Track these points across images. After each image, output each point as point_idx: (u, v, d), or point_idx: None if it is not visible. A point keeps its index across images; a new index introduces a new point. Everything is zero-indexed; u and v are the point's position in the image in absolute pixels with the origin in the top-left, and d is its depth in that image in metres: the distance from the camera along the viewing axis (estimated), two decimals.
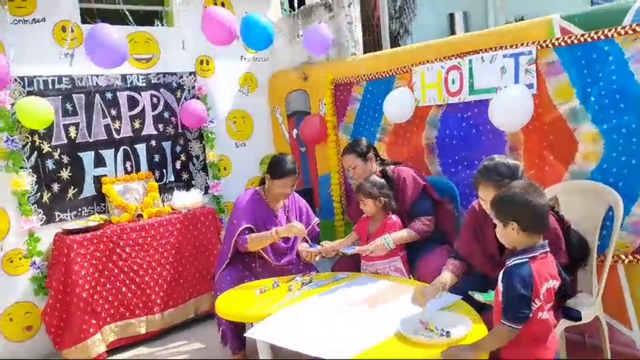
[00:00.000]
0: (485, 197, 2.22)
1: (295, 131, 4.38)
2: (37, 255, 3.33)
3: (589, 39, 2.53)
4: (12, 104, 3.20)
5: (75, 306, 3.18)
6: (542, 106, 2.74)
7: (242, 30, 3.33)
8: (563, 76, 2.66)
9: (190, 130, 4.08)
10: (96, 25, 3.00)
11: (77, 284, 3.18)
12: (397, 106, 3.38)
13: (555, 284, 1.82)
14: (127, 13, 3.51)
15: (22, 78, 3.30)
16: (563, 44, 2.63)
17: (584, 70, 2.57)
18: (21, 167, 3.27)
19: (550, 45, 2.68)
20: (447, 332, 1.90)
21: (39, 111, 3.15)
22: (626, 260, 2.52)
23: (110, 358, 3.33)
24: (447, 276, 2.30)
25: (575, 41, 2.58)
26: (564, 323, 2.21)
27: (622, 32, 2.41)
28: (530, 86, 2.76)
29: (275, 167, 3.01)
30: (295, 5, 4.64)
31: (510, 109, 2.76)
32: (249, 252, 3.02)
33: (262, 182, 3.16)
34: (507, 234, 1.83)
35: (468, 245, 2.40)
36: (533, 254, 1.77)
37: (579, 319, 2.21)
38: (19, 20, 3.30)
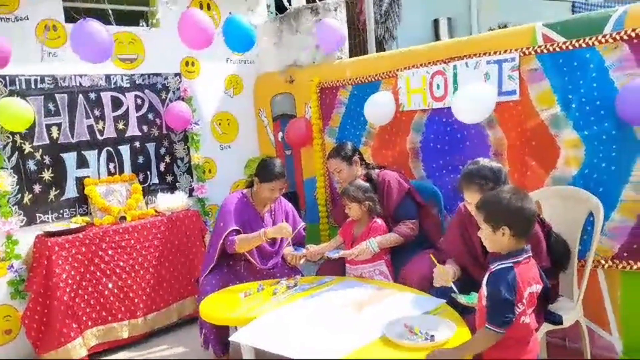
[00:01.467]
0: (470, 199, 2.24)
1: (280, 134, 4.38)
2: (15, 258, 3.27)
3: (570, 47, 2.58)
4: None
5: (56, 310, 3.13)
6: (524, 112, 2.79)
7: (224, 32, 3.31)
8: (545, 83, 2.70)
9: (175, 132, 4.05)
10: (83, 21, 2.96)
11: (58, 287, 3.13)
12: (376, 110, 3.40)
13: (537, 288, 1.84)
14: (110, 13, 3.47)
15: (3, 77, 3.25)
16: (545, 51, 2.67)
17: (565, 77, 2.62)
18: (1, 168, 3.22)
19: (532, 52, 2.72)
20: (432, 335, 1.91)
21: (18, 113, 3.08)
22: (606, 265, 2.57)
23: None
24: (453, 267, 2.36)
25: (557, 49, 2.63)
26: (546, 327, 2.24)
27: (603, 40, 2.46)
28: (512, 92, 2.80)
29: (264, 171, 3.01)
30: (288, 4, 4.63)
31: (471, 100, 2.80)
32: (234, 256, 3.01)
33: (249, 185, 3.15)
34: (496, 239, 1.84)
35: (454, 244, 2.44)
36: (517, 259, 1.80)
37: (561, 323, 2.23)
38: (1, 18, 3.25)
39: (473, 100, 2.79)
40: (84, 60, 3.02)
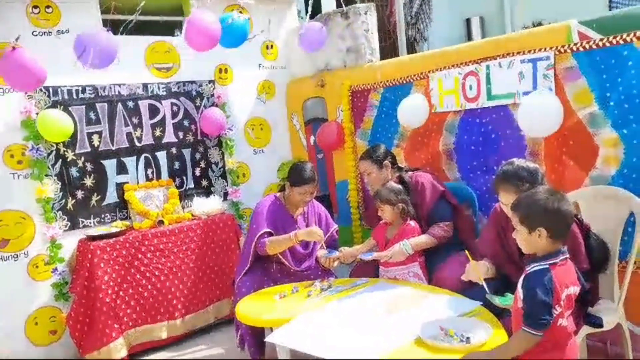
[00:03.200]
0: (505, 201, 2.22)
1: (312, 138, 4.41)
2: (58, 261, 3.41)
3: (607, 44, 2.52)
4: (37, 114, 3.29)
5: (99, 311, 3.25)
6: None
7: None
8: (581, 81, 2.65)
9: (210, 137, 4.14)
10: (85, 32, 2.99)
11: (100, 289, 3.25)
12: (410, 112, 3.40)
13: (575, 290, 1.81)
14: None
15: (47, 88, 3.39)
16: (581, 49, 2.62)
17: (602, 75, 2.56)
18: (46, 175, 3.36)
19: (568, 50, 2.67)
20: (467, 338, 1.90)
21: (58, 124, 3.24)
22: None
23: None
24: (487, 264, 2.34)
25: (594, 46, 2.57)
26: (586, 330, 2.19)
27: None
28: (549, 90, 2.75)
29: (295, 175, 3.05)
30: (323, 9, 4.67)
31: (541, 114, 2.73)
32: (268, 258, 3.05)
33: (282, 188, 3.20)
34: (532, 240, 1.81)
35: (490, 245, 2.41)
36: (554, 260, 1.77)
37: (601, 325, 2.18)
38: (44, 32, 3.40)
39: (544, 118, 2.72)
40: (89, 68, 2.99)
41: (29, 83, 2.88)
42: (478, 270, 2.25)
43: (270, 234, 3.01)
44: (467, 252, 2.35)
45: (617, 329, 2.34)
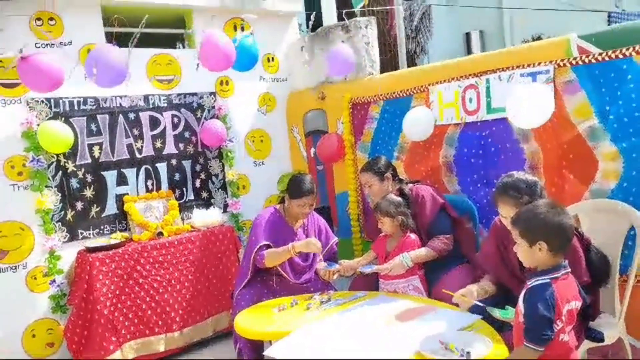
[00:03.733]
0: (504, 213, 2.22)
1: (312, 150, 4.42)
2: (57, 273, 3.39)
3: (606, 58, 2.53)
4: (38, 125, 3.30)
5: (97, 323, 3.22)
6: (560, 125, 2.74)
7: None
8: (581, 95, 2.66)
9: (210, 149, 4.15)
10: (97, 47, 3.03)
11: (98, 301, 3.23)
12: (417, 124, 3.40)
13: (577, 304, 1.80)
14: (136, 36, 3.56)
15: (48, 100, 3.40)
16: (581, 62, 2.64)
17: (602, 88, 2.57)
18: (46, 186, 3.36)
19: (567, 64, 2.68)
20: (467, 352, 1.88)
21: (58, 136, 3.24)
22: None
23: None
24: (485, 284, 2.33)
25: (593, 60, 2.59)
26: (587, 344, 2.18)
27: None
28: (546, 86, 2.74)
29: (293, 187, 3.05)
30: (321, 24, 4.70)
31: (530, 104, 2.69)
32: (267, 270, 3.04)
33: (282, 200, 3.20)
34: (532, 254, 1.81)
35: (490, 259, 2.41)
36: (555, 275, 1.76)
37: (602, 340, 2.17)
38: (46, 44, 3.42)
39: (531, 104, 2.66)
40: (100, 86, 3.04)
41: (46, 85, 2.90)
42: (465, 301, 2.23)
43: (268, 247, 3.00)
44: (444, 291, 2.35)
45: (617, 343, 2.33)
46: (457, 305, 2.33)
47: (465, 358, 1.86)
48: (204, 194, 4.14)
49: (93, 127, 3.60)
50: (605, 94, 2.57)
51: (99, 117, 3.62)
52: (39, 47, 3.37)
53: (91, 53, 2.92)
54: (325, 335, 2.24)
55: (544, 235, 1.78)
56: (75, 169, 3.52)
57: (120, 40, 3.51)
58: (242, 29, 4.24)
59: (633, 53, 2.44)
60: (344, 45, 3.73)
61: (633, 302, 2.39)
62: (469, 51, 7.64)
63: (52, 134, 3.24)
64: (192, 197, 4.07)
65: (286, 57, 4.56)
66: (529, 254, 1.82)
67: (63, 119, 3.44)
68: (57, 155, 3.42)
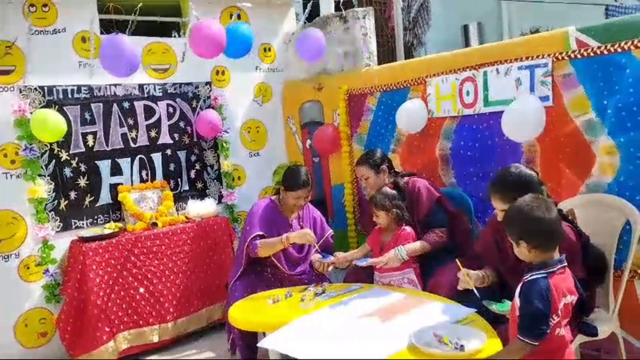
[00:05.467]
0: (497, 206, 2.21)
1: (308, 141, 4.40)
2: (50, 263, 3.37)
3: (605, 52, 2.52)
4: (32, 113, 3.26)
5: (90, 313, 3.21)
6: (558, 118, 2.73)
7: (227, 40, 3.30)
8: (579, 88, 2.64)
9: (205, 139, 4.12)
10: (111, 36, 3.03)
11: (91, 291, 3.21)
12: (409, 116, 3.39)
13: (572, 299, 1.80)
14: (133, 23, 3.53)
15: (42, 88, 3.36)
16: (579, 56, 2.62)
17: (600, 82, 2.56)
18: (39, 175, 3.33)
19: (566, 57, 2.67)
20: (461, 345, 1.88)
21: (51, 125, 3.20)
22: None
23: None
24: (487, 271, 2.32)
25: (592, 53, 2.57)
26: (580, 338, 2.18)
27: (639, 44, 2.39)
28: (546, 98, 2.75)
29: (289, 179, 3.04)
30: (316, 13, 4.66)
31: (523, 120, 2.73)
32: (262, 262, 3.03)
33: (278, 191, 3.18)
34: (520, 252, 1.82)
35: (487, 251, 2.40)
36: (551, 269, 1.75)
37: (596, 334, 2.17)
38: (40, 31, 3.37)
39: (526, 124, 2.72)
40: (116, 77, 3.08)
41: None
42: (469, 279, 2.23)
43: (263, 237, 2.99)
44: (457, 260, 2.33)
45: (611, 338, 2.33)
46: (455, 291, 2.34)
47: (458, 351, 1.85)
48: (199, 185, 4.12)
49: (87, 115, 3.56)
50: (603, 88, 2.55)
51: (92, 105, 3.58)
52: (33, 34, 3.33)
53: (105, 43, 2.91)
54: (319, 327, 2.24)
55: (523, 234, 1.78)
56: (68, 158, 3.48)
57: (115, 28, 3.47)
58: (239, 17, 4.19)
59: (632, 47, 2.42)
60: (315, 30, 3.68)
61: (627, 297, 2.40)
62: (466, 44, 7.61)
63: (45, 122, 3.19)
64: (186, 187, 4.05)
65: (283, 47, 4.52)
66: (518, 252, 1.83)
67: (56, 107, 3.41)
68: (51, 144, 3.39)
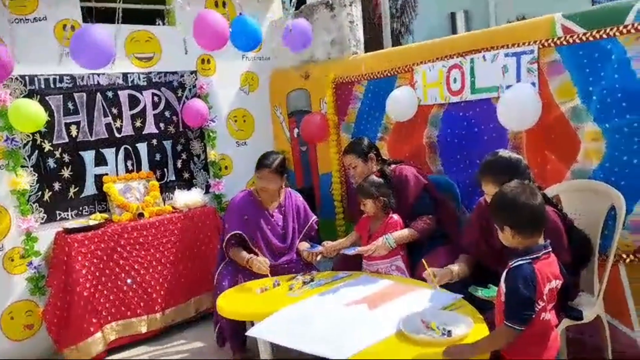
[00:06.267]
0: (488, 192, 2.22)
1: (296, 130, 4.38)
2: (34, 255, 3.33)
3: (591, 38, 2.52)
4: None
5: (76, 305, 3.18)
6: (544, 105, 2.73)
7: (232, 32, 3.28)
8: (565, 75, 2.65)
9: (192, 129, 4.08)
10: (83, 27, 2.94)
11: (78, 283, 3.18)
12: (400, 104, 3.38)
13: (557, 283, 1.81)
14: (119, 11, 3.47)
15: (23, 77, 3.30)
16: (565, 43, 2.62)
17: (585, 69, 2.56)
18: (22, 166, 3.28)
19: (552, 44, 2.67)
20: (449, 331, 1.89)
21: (28, 115, 3.09)
22: (628, 260, 2.51)
23: (110, 357, 3.33)
24: (456, 266, 2.34)
25: (577, 40, 2.57)
26: (566, 322, 2.20)
27: (625, 31, 2.39)
28: (532, 85, 2.75)
29: (257, 161, 3.06)
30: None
31: (519, 107, 2.73)
32: (247, 252, 3.01)
33: None
34: (505, 238, 1.83)
35: (473, 239, 2.41)
36: (536, 255, 1.76)
37: (581, 318, 2.20)
38: (20, 19, 3.30)
39: (522, 112, 2.71)
40: (86, 67, 2.96)
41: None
42: (434, 278, 2.25)
43: (240, 236, 2.99)
44: (424, 261, 2.36)
45: (596, 321, 2.36)
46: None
47: (446, 336, 1.87)
48: (186, 175, 4.09)
49: (70, 105, 3.50)
50: (589, 74, 2.56)
51: (75, 95, 3.52)
52: (13, 23, 3.25)
53: (76, 34, 2.82)
54: (308, 315, 2.24)
55: (507, 220, 1.79)
56: (52, 149, 3.43)
57: (97, 16, 3.41)
58: (224, 5, 4.14)
59: (617, 33, 2.42)
60: (301, 20, 3.64)
61: (611, 281, 2.43)
62: (453, 31, 7.60)
63: (22, 112, 3.09)
64: (173, 177, 4.02)
65: (269, 36, 4.48)
66: (503, 238, 1.84)
67: (38, 97, 3.35)
68: (33, 134, 3.33)
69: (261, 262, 2.85)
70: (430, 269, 2.28)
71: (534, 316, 1.70)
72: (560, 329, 2.18)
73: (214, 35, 3.03)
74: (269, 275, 2.83)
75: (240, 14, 3.18)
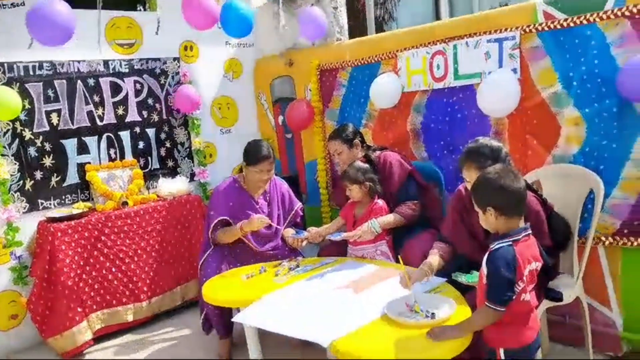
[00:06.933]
0: (469, 179, 2.24)
1: (280, 117, 4.37)
2: (15, 245, 3.28)
3: (571, 24, 2.55)
4: None
5: (61, 294, 3.16)
6: (525, 91, 2.77)
7: (221, 17, 3.26)
8: (546, 61, 2.68)
9: (175, 117, 4.05)
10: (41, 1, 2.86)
11: (62, 272, 3.16)
12: (383, 91, 3.39)
13: (537, 265, 1.85)
14: None
15: (2, 64, 3.24)
16: (546, 28, 2.65)
17: (566, 54, 2.60)
18: (2, 155, 3.23)
19: (533, 30, 2.70)
20: (432, 313, 1.93)
21: (4, 102, 3.03)
22: (606, 242, 2.57)
23: (96, 345, 3.33)
24: (434, 260, 2.32)
25: (558, 26, 2.60)
26: (546, 304, 2.25)
27: (604, 16, 2.43)
28: (514, 71, 2.78)
29: (249, 154, 2.99)
30: None
31: (498, 94, 2.77)
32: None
33: (241, 169, 3.14)
34: (487, 220, 1.85)
35: (454, 229, 2.43)
36: (516, 237, 1.79)
37: (561, 299, 2.25)
38: None
39: (502, 98, 2.76)
40: (43, 44, 2.86)
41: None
42: (408, 279, 2.21)
43: (226, 221, 2.97)
44: (399, 257, 2.37)
45: (576, 303, 2.42)
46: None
47: (430, 319, 1.90)
48: (170, 163, 4.06)
49: (50, 93, 3.45)
50: (569, 60, 2.59)
51: (56, 82, 3.47)
52: None
53: (33, 8, 2.73)
54: (294, 301, 2.26)
55: (490, 201, 1.81)
56: (32, 137, 3.38)
57: (77, 1, 3.34)
58: None
59: (597, 19, 2.46)
60: (315, 8, 3.65)
61: (590, 263, 2.48)
62: (437, 17, 7.61)
63: None
64: (157, 165, 3.99)
65: (254, 22, 4.43)
66: (484, 220, 1.87)
67: (18, 84, 3.29)
68: (13, 122, 3.28)
69: (253, 219, 2.85)
70: (405, 269, 2.26)
71: (514, 297, 1.74)
72: (541, 310, 2.23)
73: (202, 13, 2.99)
74: (272, 224, 2.88)
75: None
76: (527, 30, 2.71)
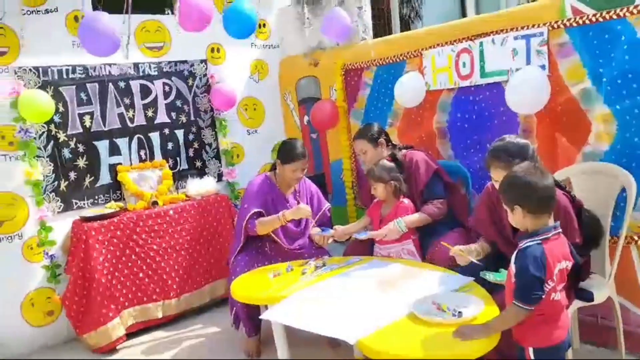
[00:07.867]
0: (496, 177, 2.23)
1: (306, 118, 4.39)
2: (48, 244, 3.39)
3: (600, 19, 2.50)
4: None
5: (95, 291, 3.26)
6: (554, 88, 2.72)
7: (224, 19, 3.28)
8: (575, 57, 2.64)
9: (203, 118, 4.12)
10: (89, 14, 2.97)
11: (95, 270, 3.25)
12: (407, 90, 3.38)
13: (568, 264, 1.83)
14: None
15: (36, 68, 3.35)
16: (575, 24, 2.60)
17: (595, 50, 2.55)
18: (37, 157, 3.34)
19: (561, 26, 2.65)
20: (459, 312, 1.92)
21: (36, 105, 3.16)
22: (639, 242, 2.51)
23: (129, 341, 3.41)
24: (479, 245, 2.36)
25: (587, 21, 2.55)
26: (577, 304, 2.22)
27: (635, 11, 2.37)
28: (542, 67, 2.74)
29: (284, 153, 3.04)
30: None
31: (529, 90, 2.72)
32: (261, 237, 3.06)
33: (274, 167, 3.19)
34: (515, 218, 1.84)
35: (484, 224, 2.43)
36: (545, 235, 1.78)
37: (591, 299, 2.22)
38: (32, 11, 3.34)
39: (532, 95, 2.69)
40: (93, 54, 3.03)
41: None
42: (463, 256, 2.27)
43: (260, 214, 3.01)
44: (443, 243, 2.37)
45: (608, 303, 2.38)
46: (453, 261, 2.37)
47: (457, 318, 1.89)
48: (198, 163, 4.13)
49: (83, 96, 3.55)
50: (599, 56, 2.54)
51: (88, 85, 3.57)
52: (25, 15, 3.30)
53: (83, 22, 2.87)
54: (320, 299, 2.28)
55: (517, 199, 1.80)
56: (66, 139, 3.49)
57: (107, 5, 3.43)
58: None
59: (627, 14, 2.41)
60: (340, 9, 3.67)
61: (622, 262, 2.43)
62: (463, 15, 7.53)
63: (30, 103, 3.16)
64: (185, 166, 4.06)
65: (278, 23, 4.48)
66: (512, 218, 1.85)
67: (52, 87, 3.40)
68: (48, 125, 3.39)
69: (301, 207, 2.94)
70: (454, 247, 2.30)
71: (543, 296, 1.72)
72: (572, 310, 2.21)
73: (199, 17, 3.03)
74: (314, 221, 2.94)
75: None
76: (555, 26, 2.67)
